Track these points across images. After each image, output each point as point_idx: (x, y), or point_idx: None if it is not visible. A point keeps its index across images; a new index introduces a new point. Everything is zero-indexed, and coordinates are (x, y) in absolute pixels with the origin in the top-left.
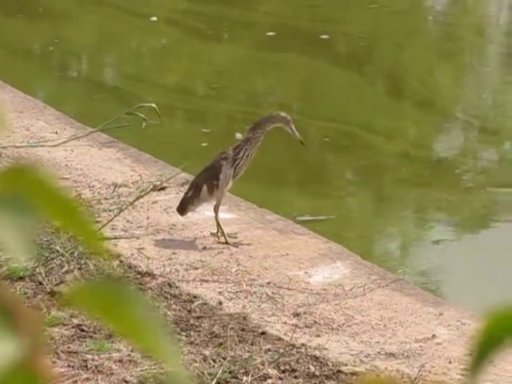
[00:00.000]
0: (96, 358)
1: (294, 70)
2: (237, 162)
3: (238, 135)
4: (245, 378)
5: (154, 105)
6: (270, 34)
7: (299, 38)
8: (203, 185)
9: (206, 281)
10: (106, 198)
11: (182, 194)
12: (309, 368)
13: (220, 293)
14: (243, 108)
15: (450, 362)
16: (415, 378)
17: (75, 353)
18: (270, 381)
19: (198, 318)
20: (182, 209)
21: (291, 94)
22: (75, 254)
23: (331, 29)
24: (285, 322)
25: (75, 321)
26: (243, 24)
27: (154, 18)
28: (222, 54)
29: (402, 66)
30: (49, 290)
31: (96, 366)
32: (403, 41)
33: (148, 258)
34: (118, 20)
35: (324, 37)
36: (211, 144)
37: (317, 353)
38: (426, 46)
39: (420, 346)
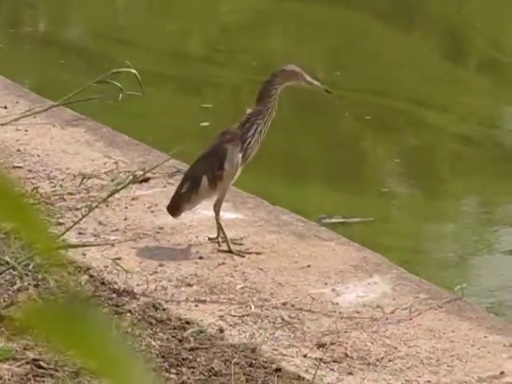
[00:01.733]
0: None
1: (323, 25)
2: (247, 142)
3: (250, 111)
4: None
5: (133, 70)
6: None
7: None
8: (203, 176)
9: (203, 301)
10: (70, 193)
11: (170, 188)
12: None
13: (221, 317)
14: (256, 76)
15: None
16: None
17: None
18: None
19: (192, 350)
20: (175, 208)
21: (320, 58)
22: (30, 267)
23: None
24: (306, 356)
25: (30, 354)
26: None
27: None
28: (228, 3)
29: (465, 19)
30: None
31: None
32: None
33: (126, 272)
34: None
35: None
36: (214, 123)
37: None
38: None
39: None
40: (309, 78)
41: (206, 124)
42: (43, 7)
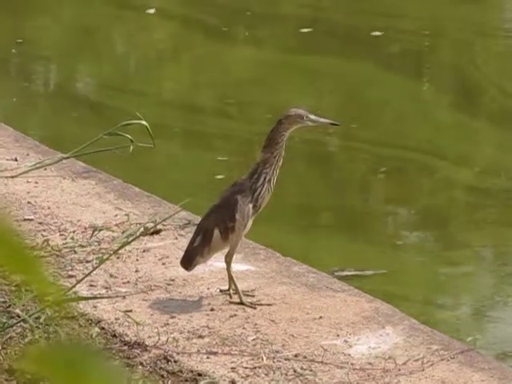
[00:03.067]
0: None
1: (335, 78)
2: (257, 192)
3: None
4: None
5: (145, 122)
6: (305, 30)
7: (342, 36)
8: (215, 229)
9: (215, 353)
10: (81, 246)
11: (182, 240)
12: None
13: (233, 369)
14: (268, 129)
15: None
16: None
17: None
18: None
19: None
20: (189, 262)
21: (332, 110)
22: (41, 320)
23: (384, 24)
24: None
25: None
26: (269, 18)
27: (151, 11)
28: (241, 57)
29: (477, 70)
30: (6, 368)
31: None
32: (477, 37)
33: (138, 324)
34: (99, 13)
35: (375, 34)
36: (229, 176)
37: None
38: (507, 44)
39: None
40: (314, 117)
41: (221, 177)
42: (55, 59)
